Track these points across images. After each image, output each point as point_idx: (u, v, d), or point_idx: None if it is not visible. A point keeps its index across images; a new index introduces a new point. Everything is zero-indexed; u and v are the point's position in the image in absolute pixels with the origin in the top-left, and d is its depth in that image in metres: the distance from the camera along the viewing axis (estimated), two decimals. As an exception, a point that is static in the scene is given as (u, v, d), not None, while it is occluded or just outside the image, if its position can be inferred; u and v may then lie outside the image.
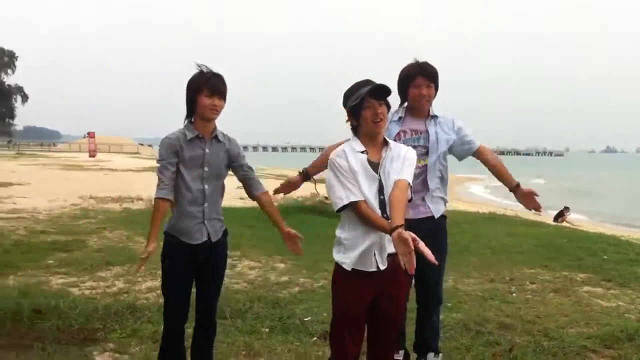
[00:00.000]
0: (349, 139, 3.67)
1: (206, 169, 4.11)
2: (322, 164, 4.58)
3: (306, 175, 4.86)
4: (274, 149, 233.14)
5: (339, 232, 3.63)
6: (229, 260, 4.51)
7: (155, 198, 4.05)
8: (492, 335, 5.82)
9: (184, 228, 4.10)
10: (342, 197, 3.47)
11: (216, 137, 4.16)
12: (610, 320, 6.36)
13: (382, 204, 3.51)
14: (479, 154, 4.72)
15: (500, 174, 4.66)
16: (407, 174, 3.54)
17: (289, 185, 4.92)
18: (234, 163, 4.25)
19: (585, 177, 66.29)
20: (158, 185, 4.07)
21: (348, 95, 3.60)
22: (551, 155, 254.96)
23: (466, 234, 12.28)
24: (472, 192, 40.52)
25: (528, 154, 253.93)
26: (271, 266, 8.77)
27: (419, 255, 4.67)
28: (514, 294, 7.47)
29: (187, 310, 4.23)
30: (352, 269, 3.51)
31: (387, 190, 3.52)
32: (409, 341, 4.99)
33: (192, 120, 4.14)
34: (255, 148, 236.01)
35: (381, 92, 3.53)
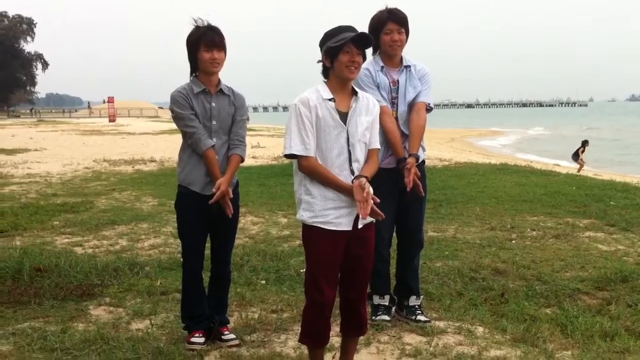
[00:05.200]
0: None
1: (214, 122, 4.25)
2: None
3: None
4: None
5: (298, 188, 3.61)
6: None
7: (205, 151, 4.18)
8: (485, 281, 5.85)
9: (195, 180, 4.24)
10: (292, 145, 3.48)
11: (221, 90, 4.30)
12: (607, 264, 6.33)
13: (350, 156, 3.52)
14: (413, 107, 4.66)
15: (410, 137, 4.60)
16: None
17: None
18: (234, 115, 4.34)
19: (597, 125, 65.31)
20: (193, 135, 4.18)
21: (330, 35, 3.55)
22: (574, 105, 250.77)
23: (474, 185, 12.24)
24: (491, 145, 40.27)
25: (551, 105, 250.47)
26: (274, 221, 8.83)
27: (401, 201, 4.69)
28: (513, 241, 7.45)
29: (202, 255, 4.43)
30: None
31: (354, 141, 3.52)
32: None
33: (197, 74, 4.29)
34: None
35: (364, 40, 3.53)
